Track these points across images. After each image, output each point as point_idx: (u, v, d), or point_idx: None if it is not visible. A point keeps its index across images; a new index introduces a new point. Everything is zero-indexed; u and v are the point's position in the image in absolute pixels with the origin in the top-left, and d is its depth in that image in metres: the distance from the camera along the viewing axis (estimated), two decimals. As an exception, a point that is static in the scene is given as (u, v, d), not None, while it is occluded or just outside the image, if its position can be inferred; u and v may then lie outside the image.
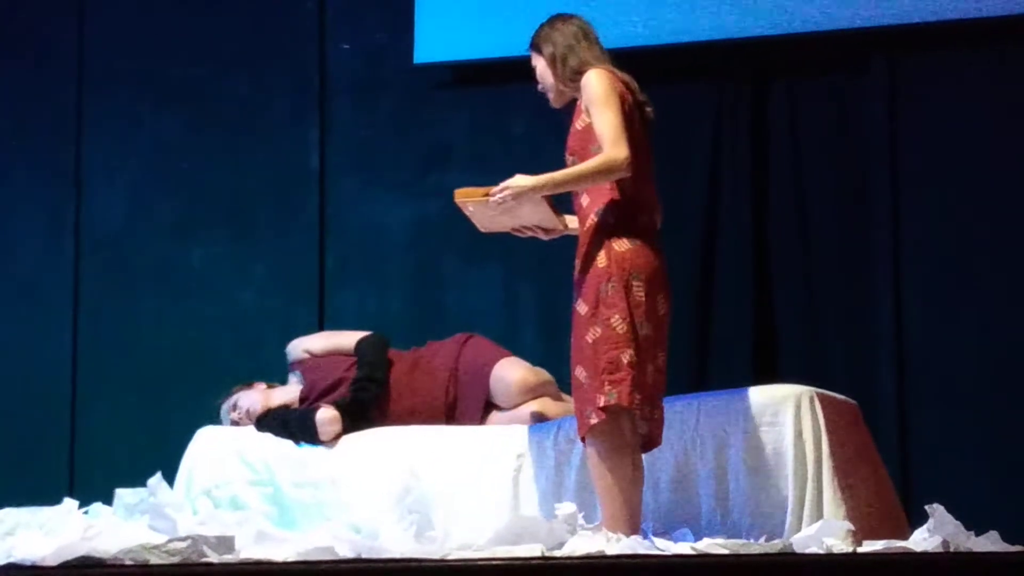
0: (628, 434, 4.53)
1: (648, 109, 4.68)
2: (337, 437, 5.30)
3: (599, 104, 4.56)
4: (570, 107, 4.75)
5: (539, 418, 5.22)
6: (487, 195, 4.67)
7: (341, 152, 6.80)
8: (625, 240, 4.57)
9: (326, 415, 5.30)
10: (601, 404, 4.49)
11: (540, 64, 4.78)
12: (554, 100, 4.80)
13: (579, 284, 4.62)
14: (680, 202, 6.15)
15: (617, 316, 4.51)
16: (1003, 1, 5.94)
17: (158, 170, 6.97)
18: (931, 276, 6.06)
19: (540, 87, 4.81)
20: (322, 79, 6.83)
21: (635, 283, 4.54)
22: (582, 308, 4.59)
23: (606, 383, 4.49)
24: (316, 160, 6.81)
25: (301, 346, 5.65)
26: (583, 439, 4.61)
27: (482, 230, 4.88)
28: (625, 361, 4.50)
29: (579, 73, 4.66)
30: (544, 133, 6.34)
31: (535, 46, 4.79)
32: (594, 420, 4.53)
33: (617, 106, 4.56)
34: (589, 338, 4.55)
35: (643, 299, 4.54)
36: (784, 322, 6.21)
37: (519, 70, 6.46)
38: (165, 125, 6.98)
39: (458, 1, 6.52)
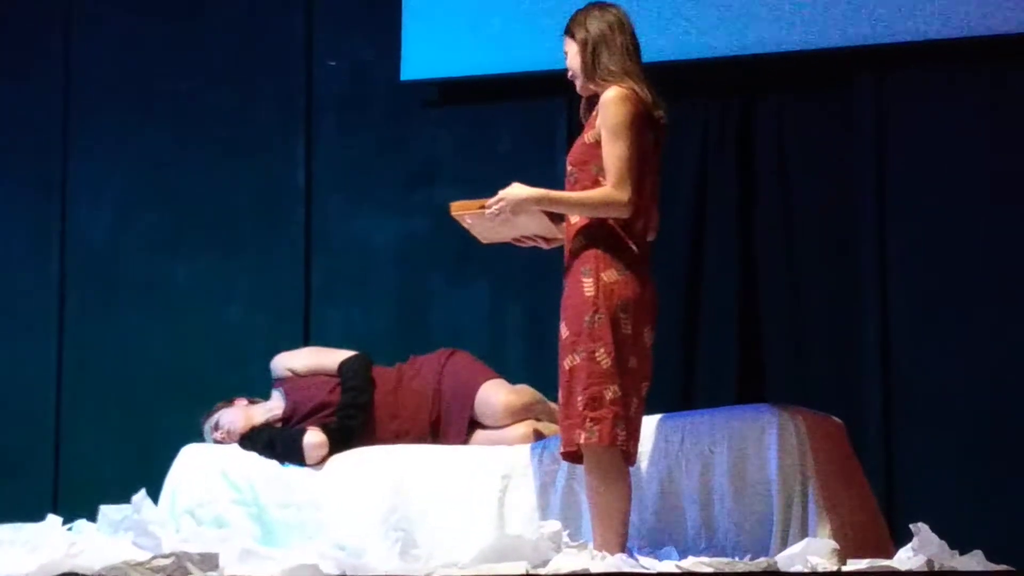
0: (620, 458, 4.53)
1: (663, 123, 4.61)
2: (323, 460, 5.30)
3: (613, 134, 4.50)
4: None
5: (524, 438, 5.22)
6: (483, 207, 4.66)
7: (327, 168, 6.80)
8: (614, 270, 4.52)
9: (314, 439, 5.29)
10: (581, 440, 4.48)
11: (572, 50, 4.68)
12: (580, 89, 4.71)
13: (564, 307, 4.59)
14: (666, 220, 6.08)
15: (602, 350, 4.48)
16: (988, 21, 5.95)
17: (144, 185, 6.96)
18: (917, 294, 6.07)
19: (569, 74, 4.72)
20: (308, 95, 6.83)
21: (622, 316, 4.50)
22: (564, 332, 4.56)
23: (587, 419, 4.47)
24: (302, 176, 6.80)
25: (285, 363, 5.64)
26: (563, 457, 4.63)
27: (483, 241, 4.87)
28: (608, 398, 4.47)
29: (611, 73, 4.58)
30: (530, 151, 6.38)
31: (568, 30, 4.69)
32: (562, 449, 4.56)
33: (631, 138, 4.50)
34: (567, 364, 4.54)
35: (630, 332, 4.52)
36: (770, 340, 6.21)
37: (505, 88, 6.54)
38: (151, 140, 6.97)
39: (445, 19, 6.52)
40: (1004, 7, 5.93)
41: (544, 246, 4.84)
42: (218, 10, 6.96)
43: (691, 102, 6.32)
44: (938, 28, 6.01)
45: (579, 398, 4.49)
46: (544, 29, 6.01)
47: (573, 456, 4.59)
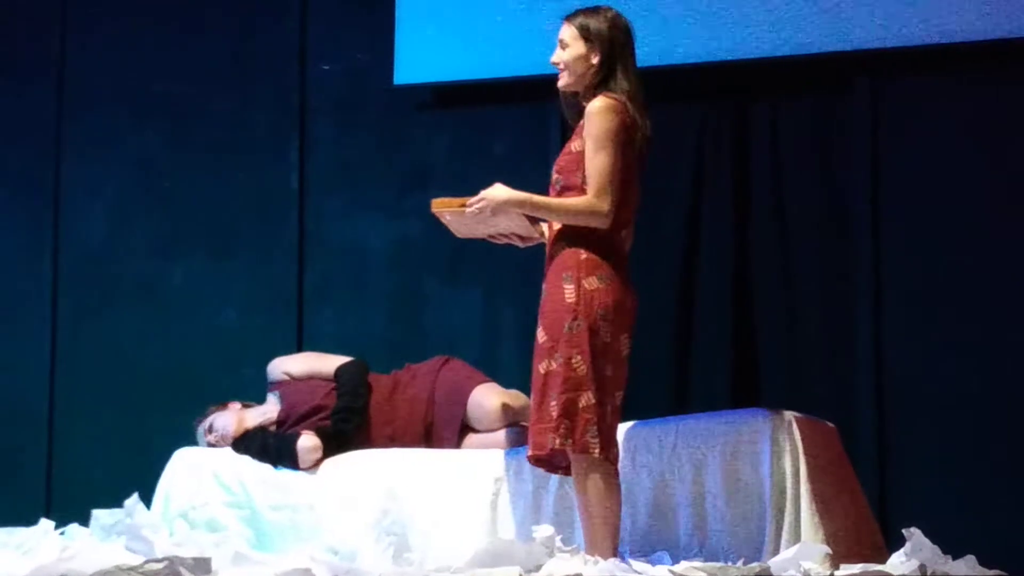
0: (610, 463, 4.53)
1: (647, 137, 4.59)
2: (317, 464, 5.31)
3: (597, 144, 4.50)
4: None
5: (516, 442, 5.23)
6: (464, 206, 4.69)
7: (321, 172, 6.80)
8: (595, 277, 4.54)
9: (308, 443, 5.30)
10: (555, 445, 4.50)
11: (576, 46, 4.62)
12: (565, 85, 4.66)
13: (544, 312, 4.61)
14: (661, 223, 6.16)
15: (579, 357, 4.50)
16: (984, 25, 5.95)
17: (138, 188, 6.96)
18: (911, 299, 6.07)
19: (561, 66, 4.66)
20: (303, 99, 6.82)
21: (602, 323, 4.52)
22: (541, 337, 4.59)
23: (561, 425, 4.48)
24: (296, 179, 6.80)
25: (281, 367, 5.66)
26: (530, 460, 4.64)
27: (458, 236, 4.90)
28: (582, 404, 4.49)
29: (623, 92, 4.56)
30: (524, 155, 6.38)
31: (580, 24, 4.62)
32: (530, 452, 4.57)
33: (615, 149, 4.50)
34: (542, 368, 4.56)
35: (608, 340, 4.53)
36: (763, 344, 6.21)
37: (499, 92, 6.54)
38: (146, 143, 6.97)
39: (439, 22, 6.52)
40: (1000, 12, 5.93)
41: (520, 244, 4.86)
42: (213, 13, 6.95)
43: (687, 106, 6.32)
44: (935, 32, 6.00)
45: (553, 403, 4.51)
46: (538, 33, 6.00)
47: (541, 461, 4.60)
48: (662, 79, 6.12)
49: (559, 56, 4.68)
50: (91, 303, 6.92)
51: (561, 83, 4.70)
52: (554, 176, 4.69)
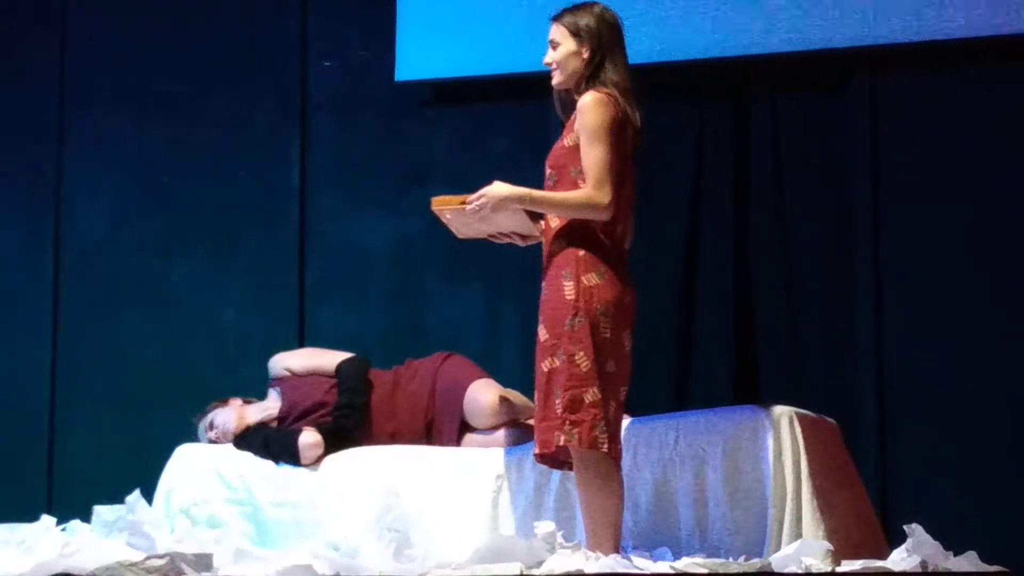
0: (611, 458, 4.53)
1: (639, 131, 4.61)
2: (318, 460, 5.31)
3: (591, 137, 4.51)
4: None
5: (515, 440, 5.23)
6: (464, 203, 4.69)
7: (322, 169, 6.80)
8: (594, 274, 4.54)
9: (309, 439, 5.30)
10: (560, 442, 4.50)
11: (566, 44, 4.65)
12: (558, 84, 4.69)
13: (544, 309, 4.61)
14: (662, 221, 6.16)
15: (582, 353, 4.50)
16: (984, 22, 5.96)
17: (139, 186, 6.96)
18: (912, 296, 6.07)
19: (553, 66, 4.69)
20: (303, 96, 6.82)
21: (603, 319, 4.52)
22: (543, 335, 4.59)
23: (567, 422, 4.49)
24: (297, 177, 6.80)
25: (282, 363, 5.66)
26: (536, 459, 4.65)
27: (459, 236, 4.90)
28: (588, 400, 4.49)
29: (614, 84, 4.58)
30: (525, 152, 6.36)
31: (568, 22, 4.65)
32: (536, 450, 4.57)
33: (610, 141, 4.50)
34: (545, 366, 4.56)
35: (609, 336, 4.54)
36: (765, 342, 6.21)
37: (500, 88, 6.54)
38: (146, 141, 6.97)
39: (440, 19, 6.52)
40: (1001, 8, 5.94)
41: (520, 243, 4.87)
42: (213, 11, 6.95)
43: (686, 104, 6.32)
44: (935, 29, 6.01)
45: (558, 400, 4.51)
46: (539, 30, 5.97)
47: (547, 459, 4.61)
48: (662, 77, 6.14)
49: (551, 56, 4.71)
50: (92, 301, 6.92)
51: (555, 82, 4.72)
52: (548, 171, 4.70)
